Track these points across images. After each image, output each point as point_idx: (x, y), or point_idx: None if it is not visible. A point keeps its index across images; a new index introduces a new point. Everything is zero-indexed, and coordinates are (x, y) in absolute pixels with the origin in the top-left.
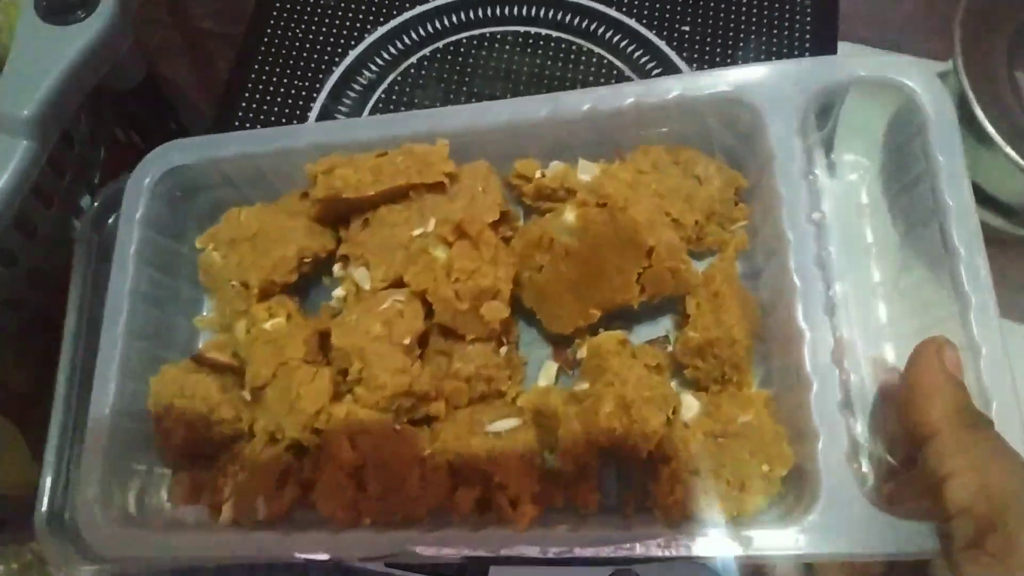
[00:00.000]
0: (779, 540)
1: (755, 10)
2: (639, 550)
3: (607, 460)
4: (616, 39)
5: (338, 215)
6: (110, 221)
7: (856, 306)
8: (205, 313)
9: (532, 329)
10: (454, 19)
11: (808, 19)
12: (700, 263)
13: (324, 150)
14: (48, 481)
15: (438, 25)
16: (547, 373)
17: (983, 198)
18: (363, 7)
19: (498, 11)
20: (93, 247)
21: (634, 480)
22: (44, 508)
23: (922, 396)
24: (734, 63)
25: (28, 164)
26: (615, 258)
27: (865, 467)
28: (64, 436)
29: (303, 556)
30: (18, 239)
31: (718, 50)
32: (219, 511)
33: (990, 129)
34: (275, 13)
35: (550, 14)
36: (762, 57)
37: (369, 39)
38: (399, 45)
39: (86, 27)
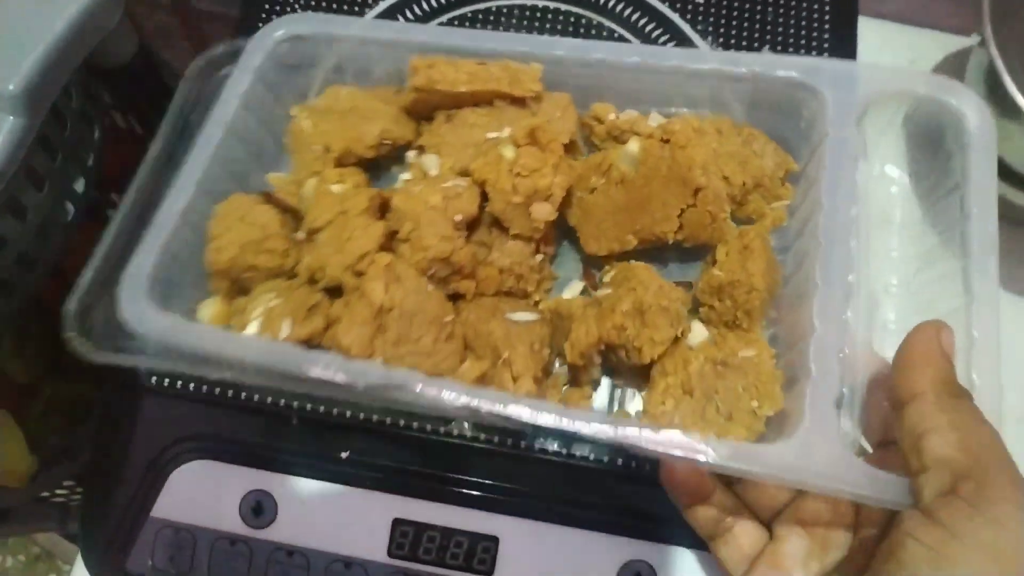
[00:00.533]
0: (751, 455)
1: None
2: (619, 433)
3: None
4: (628, 12)
5: (427, 109)
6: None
7: (867, 305)
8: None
9: (568, 252)
10: None
11: None
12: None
13: (426, 50)
14: (89, 276)
15: (433, 3)
16: (572, 289)
17: (1008, 173)
18: None
19: None
20: (196, 88)
21: (625, 398)
22: (75, 304)
23: (912, 363)
24: (752, 36)
25: (16, 141)
26: (663, 191)
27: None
28: (117, 240)
29: (314, 372)
30: (8, 221)
31: (734, 23)
32: (243, 330)
33: (1021, 101)
34: None
35: None
36: (779, 30)
37: (371, 15)
38: (402, 21)
39: None
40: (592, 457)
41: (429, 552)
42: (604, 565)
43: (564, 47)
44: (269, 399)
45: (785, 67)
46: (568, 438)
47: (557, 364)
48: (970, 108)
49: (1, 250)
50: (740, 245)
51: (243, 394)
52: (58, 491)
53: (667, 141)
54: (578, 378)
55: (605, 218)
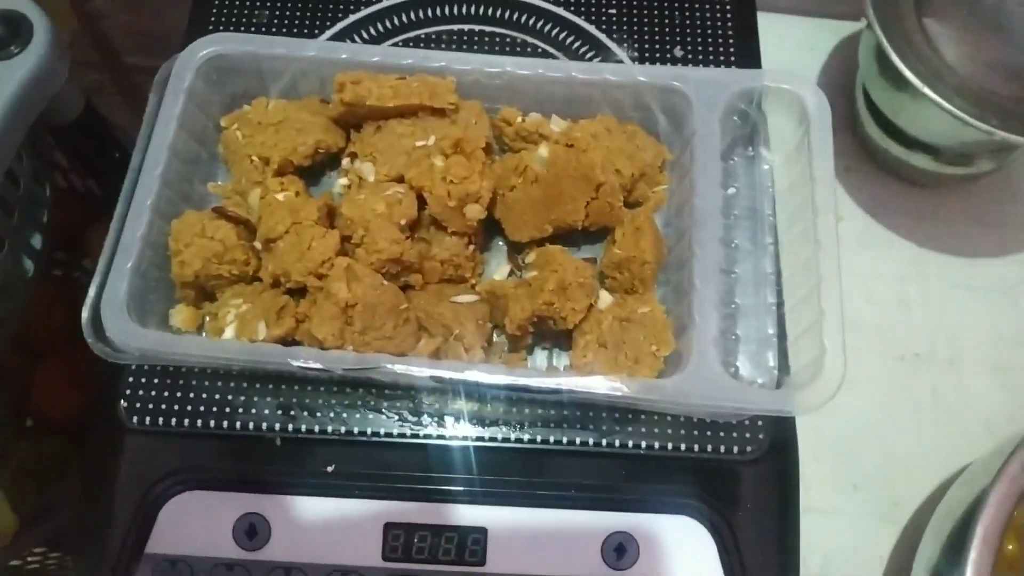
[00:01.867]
0: (654, 387)
1: None
2: (559, 383)
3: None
4: (548, 28)
5: (353, 120)
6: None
7: (753, 263)
8: (220, 183)
9: (494, 239)
10: (388, 24)
11: None
12: (628, 211)
13: (349, 66)
14: (92, 291)
15: (373, 31)
16: (501, 270)
17: (910, 142)
18: (297, 17)
19: (431, 12)
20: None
21: (553, 357)
22: (87, 314)
23: None
24: (663, 40)
25: None
26: (571, 188)
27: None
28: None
29: (298, 363)
30: None
31: (646, 30)
32: (220, 335)
33: (909, 75)
34: (209, 31)
35: (482, 10)
36: (687, 32)
37: (323, 38)
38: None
39: (21, 62)
40: (565, 440)
41: (422, 551)
42: (588, 540)
43: (473, 62)
44: (251, 424)
45: (660, 76)
46: (518, 392)
47: (495, 336)
48: (808, 94)
49: None
50: (633, 227)
51: (224, 422)
52: (31, 558)
53: (571, 146)
54: (515, 345)
55: (525, 211)
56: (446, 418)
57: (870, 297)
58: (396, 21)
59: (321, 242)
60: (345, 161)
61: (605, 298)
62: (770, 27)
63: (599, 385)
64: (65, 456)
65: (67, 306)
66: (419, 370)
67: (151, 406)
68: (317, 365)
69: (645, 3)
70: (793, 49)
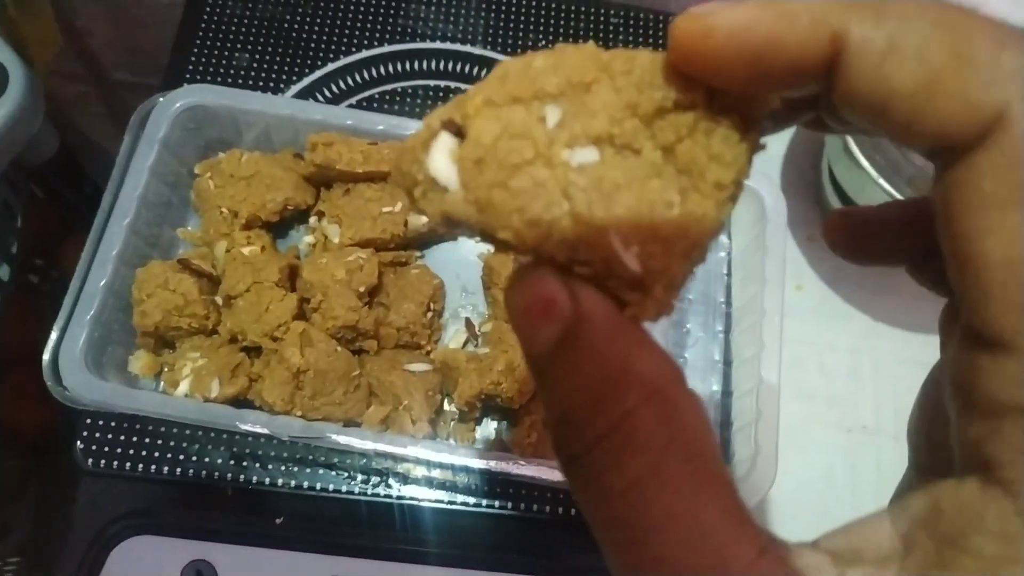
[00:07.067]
0: None
1: None
2: (495, 466)
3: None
4: None
5: (324, 180)
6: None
7: (703, 349)
8: (189, 228)
9: (455, 310)
10: (365, 75)
11: None
12: None
13: (323, 128)
14: (54, 335)
15: (350, 82)
16: (456, 338)
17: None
18: (275, 68)
19: (408, 66)
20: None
21: (502, 429)
22: (47, 357)
23: None
24: None
25: None
26: None
27: None
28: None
29: (245, 427)
30: None
31: None
32: (175, 387)
33: (865, 164)
34: (190, 68)
35: (461, 68)
36: None
37: (289, 94)
38: (313, 101)
39: None
40: (523, 507)
41: None
42: None
43: None
44: (203, 472)
45: None
46: (460, 471)
47: (447, 403)
48: (767, 194)
49: None
50: None
51: (178, 469)
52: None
53: None
54: (464, 416)
55: None
56: (396, 478)
57: (823, 367)
58: (379, 71)
59: (279, 305)
60: (312, 219)
61: None
62: None
63: (536, 473)
64: (24, 477)
65: (38, 316)
66: (361, 443)
67: (107, 449)
68: (264, 431)
69: None
70: None
